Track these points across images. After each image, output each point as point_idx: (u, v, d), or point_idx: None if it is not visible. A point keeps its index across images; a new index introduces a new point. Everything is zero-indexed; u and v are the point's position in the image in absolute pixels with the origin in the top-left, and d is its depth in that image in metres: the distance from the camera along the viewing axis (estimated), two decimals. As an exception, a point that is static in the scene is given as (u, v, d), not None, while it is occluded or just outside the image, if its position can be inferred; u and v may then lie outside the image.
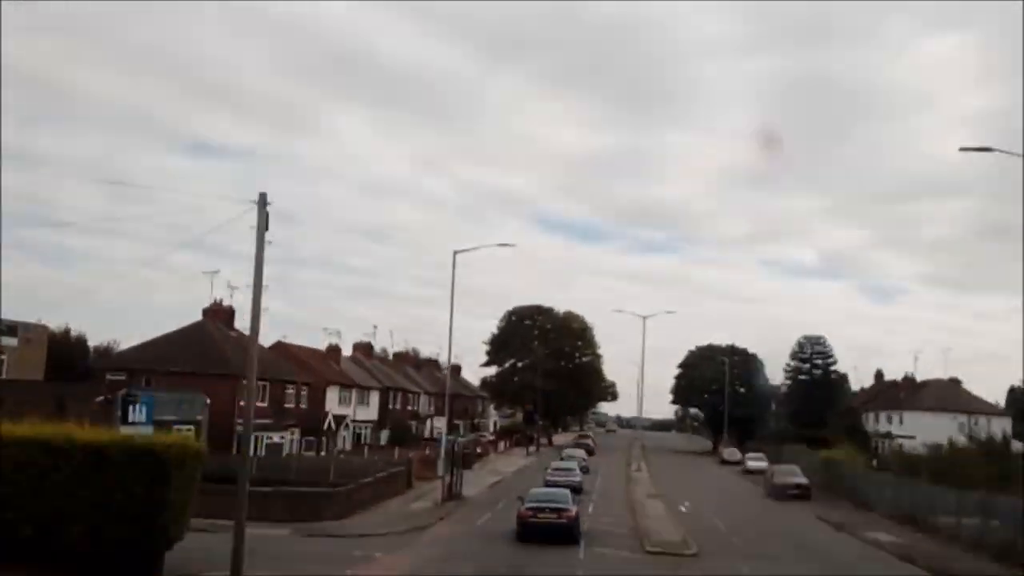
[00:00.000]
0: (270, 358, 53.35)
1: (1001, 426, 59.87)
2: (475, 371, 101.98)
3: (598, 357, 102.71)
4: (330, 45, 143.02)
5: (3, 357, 48.73)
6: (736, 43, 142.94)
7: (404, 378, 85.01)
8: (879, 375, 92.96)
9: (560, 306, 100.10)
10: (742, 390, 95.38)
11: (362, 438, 67.64)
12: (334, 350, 70.85)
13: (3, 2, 65.64)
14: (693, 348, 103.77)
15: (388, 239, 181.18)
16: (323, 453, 54.84)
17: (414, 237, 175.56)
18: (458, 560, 25.26)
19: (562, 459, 56.02)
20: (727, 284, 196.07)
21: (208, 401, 42.12)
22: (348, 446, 62.94)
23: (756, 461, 67.81)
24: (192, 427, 37.28)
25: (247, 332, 22.17)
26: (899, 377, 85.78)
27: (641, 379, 70.06)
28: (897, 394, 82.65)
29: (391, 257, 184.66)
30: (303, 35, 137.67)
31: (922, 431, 64.32)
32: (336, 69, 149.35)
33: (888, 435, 74.30)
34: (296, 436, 54.71)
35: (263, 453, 46.35)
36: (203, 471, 19.82)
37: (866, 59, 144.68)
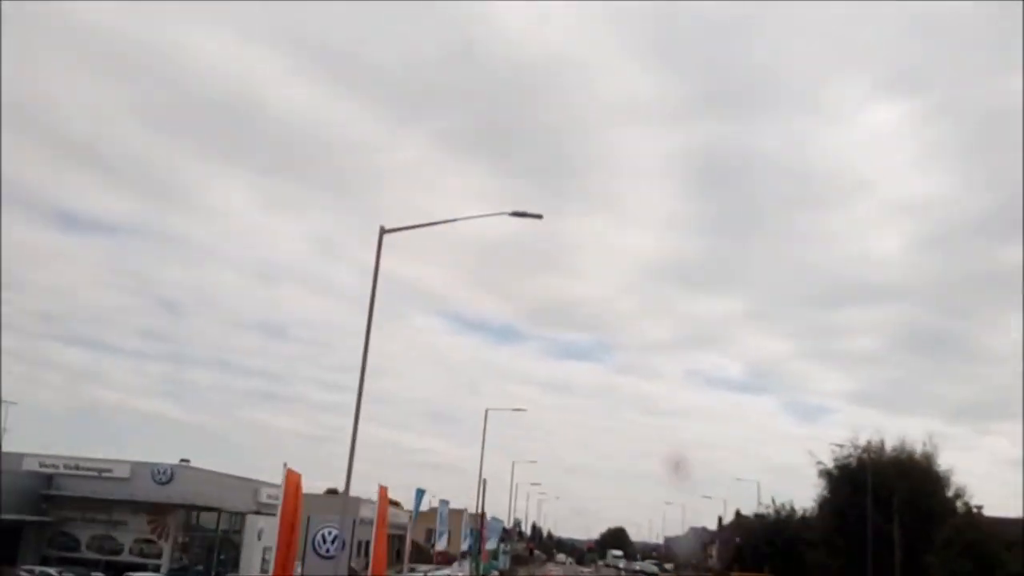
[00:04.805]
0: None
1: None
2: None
3: None
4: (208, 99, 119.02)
5: None
6: (658, 109, 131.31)
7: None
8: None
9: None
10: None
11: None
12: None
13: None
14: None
15: (285, 335, 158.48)
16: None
17: (315, 333, 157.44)
18: None
19: None
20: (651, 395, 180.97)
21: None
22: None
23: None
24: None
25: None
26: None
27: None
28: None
29: (291, 355, 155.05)
30: (173, 85, 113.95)
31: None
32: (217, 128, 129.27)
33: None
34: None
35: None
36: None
37: (803, 133, 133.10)
